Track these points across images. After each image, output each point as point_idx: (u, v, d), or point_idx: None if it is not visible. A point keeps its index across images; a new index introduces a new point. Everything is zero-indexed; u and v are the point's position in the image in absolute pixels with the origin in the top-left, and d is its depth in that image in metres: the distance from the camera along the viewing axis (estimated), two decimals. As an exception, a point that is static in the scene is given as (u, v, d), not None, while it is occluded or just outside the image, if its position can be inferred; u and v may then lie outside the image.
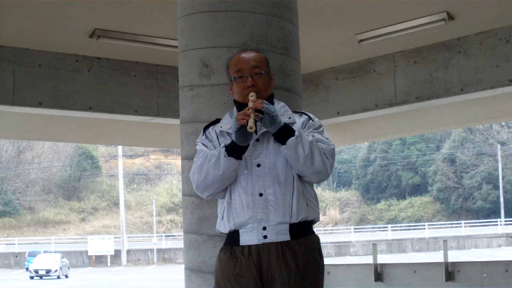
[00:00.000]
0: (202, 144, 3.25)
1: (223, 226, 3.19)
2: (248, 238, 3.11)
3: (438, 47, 8.65)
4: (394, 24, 8.03)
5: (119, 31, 8.01)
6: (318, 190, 58.67)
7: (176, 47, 4.37)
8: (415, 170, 60.79)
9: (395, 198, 59.76)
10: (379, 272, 11.72)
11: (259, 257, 3.09)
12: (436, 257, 22.59)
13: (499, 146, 55.90)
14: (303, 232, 3.13)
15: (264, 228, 3.09)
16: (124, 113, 9.05)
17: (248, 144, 3.10)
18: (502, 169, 54.76)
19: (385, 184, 61.66)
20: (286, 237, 3.09)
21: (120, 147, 47.91)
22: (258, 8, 4.02)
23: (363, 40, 8.42)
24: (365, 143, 57.38)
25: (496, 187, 54.92)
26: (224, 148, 3.09)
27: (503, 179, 54.48)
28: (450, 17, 7.69)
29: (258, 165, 3.13)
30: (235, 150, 3.07)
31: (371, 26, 8.16)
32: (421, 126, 12.60)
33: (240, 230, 3.13)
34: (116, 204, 54.35)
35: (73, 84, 8.59)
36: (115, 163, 56.52)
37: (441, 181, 57.87)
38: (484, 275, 10.64)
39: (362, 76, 9.39)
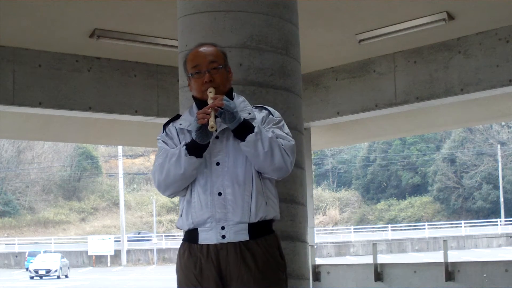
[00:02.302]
0: (163, 141, 3.21)
1: (181, 224, 3.17)
2: (206, 237, 3.09)
3: (438, 47, 8.65)
4: (394, 24, 8.03)
5: (119, 31, 8.01)
6: (318, 190, 58.65)
7: (176, 47, 4.37)
8: (415, 170, 60.73)
9: (395, 198, 59.69)
10: (379, 272, 11.70)
11: (218, 256, 3.07)
12: (436, 257, 22.58)
13: (499, 146, 55.85)
14: (262, 232, 3.12)
15: (223, 228, 3.07)
16: (124, 113, 9.05)
17: (209, 142, 3.07)
18: (502, 169, 54.71)
19: (385, 184, 61.58)
20: (245, 237, 3.07)
21: (120, 147, 47.90)
22: (258, 8, 4.03)
23: (363, 40, 8.42)
24: (365, 143, 57.33)
25: (496, 187, 54.85)
26: (184, 147, 3.06)
27: (503, 179, 54.41)
28: (450, 17, 7.69)
29: (218, 164, 3.10)
30: (195, 149, 3.05)
31: (371, 26, 8.16)
32: (421, 126, 12.61)
33: (199, 229, 3.11)
34: (116, 204, 54.30)
35: (73, 84, 8.60)
36: (115, 163, 56.48)
37: (441, 181, 57.80)
38: (484, 275, 10.63)
39: (362, 76, 9.39)
